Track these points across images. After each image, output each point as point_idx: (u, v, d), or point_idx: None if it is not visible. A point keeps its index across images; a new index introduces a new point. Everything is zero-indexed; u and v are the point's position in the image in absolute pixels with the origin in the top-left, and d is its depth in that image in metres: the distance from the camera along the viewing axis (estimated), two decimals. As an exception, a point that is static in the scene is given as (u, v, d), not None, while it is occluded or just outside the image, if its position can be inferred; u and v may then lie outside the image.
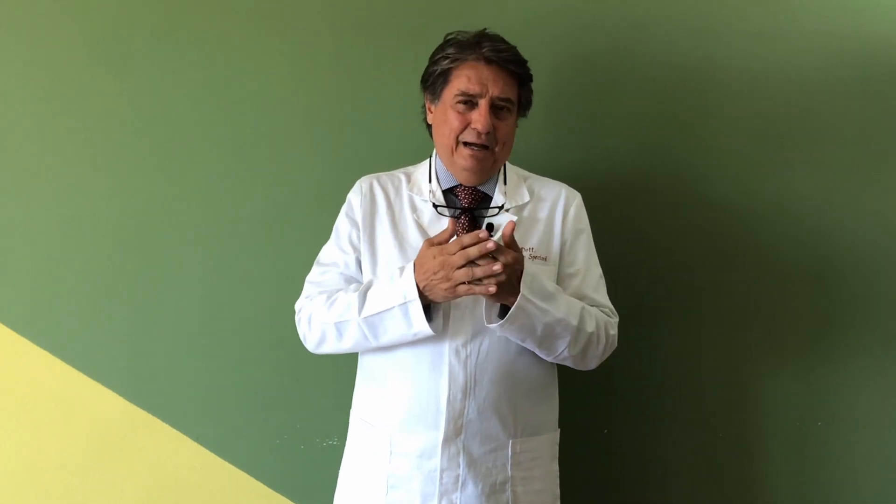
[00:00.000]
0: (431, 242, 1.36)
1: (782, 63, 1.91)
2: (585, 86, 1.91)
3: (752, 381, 1.93)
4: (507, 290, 1.34)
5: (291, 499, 1.88)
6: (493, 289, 1.32)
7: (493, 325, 1.39)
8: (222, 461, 1.87)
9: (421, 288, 1.36)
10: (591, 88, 1.91)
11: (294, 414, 1.88)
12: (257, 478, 1.88)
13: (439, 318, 1.41)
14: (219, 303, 1.87)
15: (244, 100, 1.86)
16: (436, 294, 1.36)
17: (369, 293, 1.43)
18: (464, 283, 1.32)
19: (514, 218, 1.49)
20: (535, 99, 1.58)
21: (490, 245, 1.31)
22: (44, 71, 1.83)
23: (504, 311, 1.40)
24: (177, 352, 1.86)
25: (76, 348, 1.85)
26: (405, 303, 1.37)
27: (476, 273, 1.31)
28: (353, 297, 1.44)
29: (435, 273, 1.34)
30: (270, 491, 1.88)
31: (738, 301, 1.92)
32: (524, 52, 1.53)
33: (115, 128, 1.85)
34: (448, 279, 1.33)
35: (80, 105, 1.84)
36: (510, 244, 1.35)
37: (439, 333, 1.41)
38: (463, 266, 1.31)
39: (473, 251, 1.31)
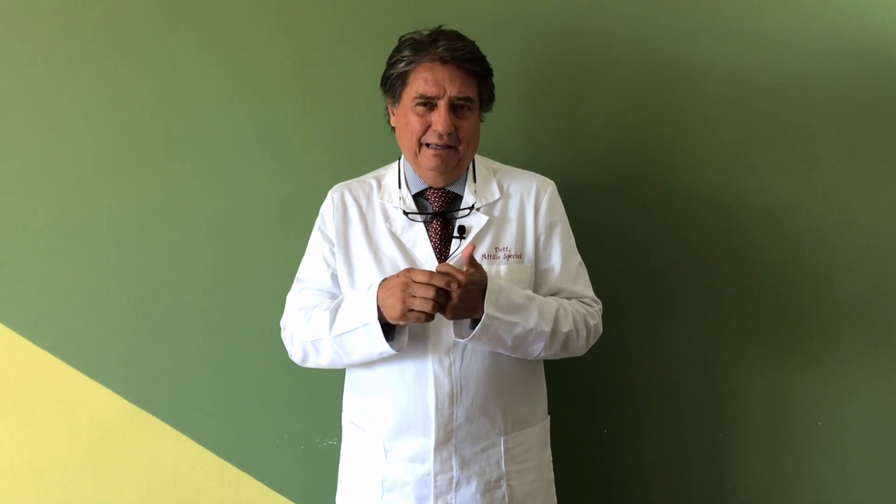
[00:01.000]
0: (408, 271, 1.35)
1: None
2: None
3: (752, 382, 1.93)
4: (464, 309, 1.35)
5: (291, 499, 1.89)
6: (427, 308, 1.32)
7: (461, 341, 1.40)
8: (222, 461, 1.87)
9: (379, 306, 1.37)
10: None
11: (294, 414, 1.88)
12: (257, 478, 1.88)
13: (403, 338, 1.41)
14: (219, 303, 1.87)
15: (244, 100, 1.86)
16: (389, 313, 1.36)
17: (339, 311, 1.44)
18: (413, 310, 1.33)
19: (480, 225, 1.49)
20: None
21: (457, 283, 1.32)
22: (43, 71, 1.83)
23: (475, 324, 1.39)
24: (177, 352, 1.86)
25: (76, 348, 1.85)
26: (367, 324, 1.38)
27: (424, 306, 1.32)
28: (326, 316, 1.45)
29: (391, 289, 1.35)
30: (270, 491, 1.88)
31: (736, 300, 1.92)
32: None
33: (115, 128, 1.85)
34: (402, 301, 1.33)
35: (80, 105, 1.84)
36: (470, 264, 1.34)
37: (402, 351, 1.41)
38: (423, 298, 1.31)
39: (439, 283, 1.31)
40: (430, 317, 1.34)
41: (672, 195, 1.91)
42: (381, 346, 1.38)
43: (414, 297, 1.32)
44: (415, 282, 1.32)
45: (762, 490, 1.93)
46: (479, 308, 1.35)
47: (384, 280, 1.39)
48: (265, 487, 1.88)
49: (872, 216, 1.92)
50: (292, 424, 1.88)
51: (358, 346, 1.42)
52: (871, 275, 1.92)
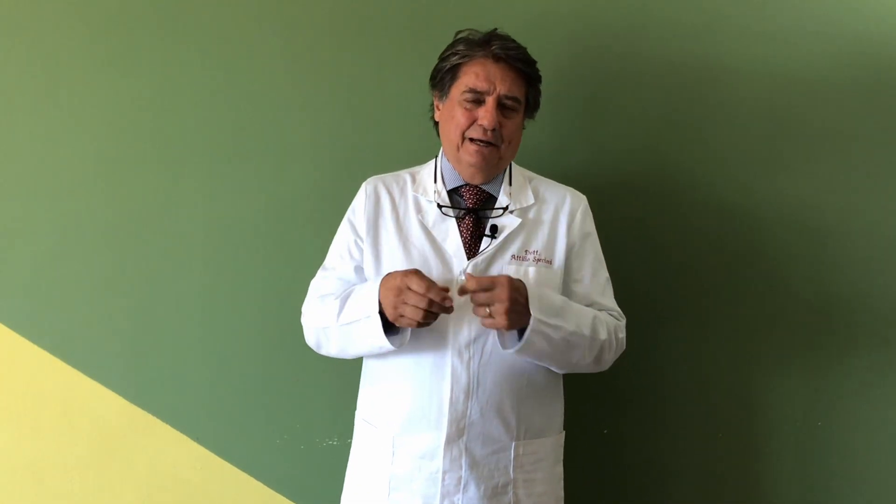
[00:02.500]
0: (418, 274, 1.35)
1: (785, 64, 1.90)
2: (589, 87, 1.91)
3: (753, 382, 1.93)
4: (514, 321, 1.35)
5: (292, 499, 1.88)
6: (497, 321, 1.34)
7: (510, 351, 1.40)
8: (222, 461, 1.87)
9: (380, 303, 1.38)
10: (594, 90, 1.91)
11: (294, 414, 1.88)
12: (257, 478, 1.88)
13: (405, 335, 1.41)
14: (219, 303, 1.86)
15: (245, 100, 1.86)
16: (387, 311, 1.37)
17: (348, 300, 1.45)
18: (404, 316, 1.34)
19: (513, 226, 1.50)
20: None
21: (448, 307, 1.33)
22: (43, 71, 1.83)
23: (518, 333, 1.40)
24: (177, 352, 1.86)
25: (76, 348, 1.85)
26: (368, 317, 1.39)
27: (414, 315, 1.33)
28: (336, 304, 1.46)
29: (389, 289, 1.36)
30: (270, 491, 1.88)
31: (739, 303, 1.92)
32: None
33: (116, 128, 1.85)
34: (394, 307, 1.34)
35: (81, 105, 1.84)
36: (489, 282, 1.34)
37: (401, 347, 1.41)
38: (415, 307, 1.32)
39: (435, 301, 1.32)
40: (423, 324, 1.34)
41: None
42: (381, 340, 1.39)
43: (406, 303, 1.33)
44: (410, 289, 1.33)
45: (762, 489, 1.93)
46: (522, 318, 1.36)
47: (388, 275, 1.39)
48: (265, 487, 1.88)
49: (880, 218, 1.93)
50: (292, 424, 1.88)
51: (361, 337, 1.42)
52: (873, 277, 1.92)
